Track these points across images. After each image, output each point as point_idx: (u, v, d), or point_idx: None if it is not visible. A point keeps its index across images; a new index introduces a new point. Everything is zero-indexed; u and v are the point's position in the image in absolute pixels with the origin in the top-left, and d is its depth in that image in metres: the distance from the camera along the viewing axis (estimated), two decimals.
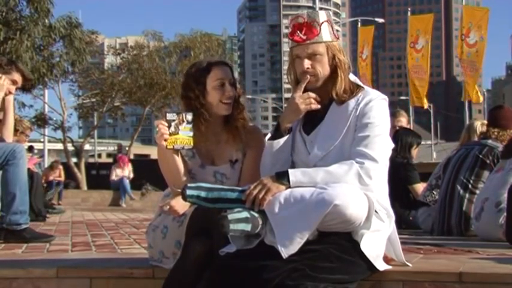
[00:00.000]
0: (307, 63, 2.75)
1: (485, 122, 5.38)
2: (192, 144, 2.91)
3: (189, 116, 2.91)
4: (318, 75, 2.76)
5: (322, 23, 2.75)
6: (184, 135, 2.89)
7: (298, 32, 2.76)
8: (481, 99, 17.07)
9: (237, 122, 3.03)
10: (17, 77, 4.85)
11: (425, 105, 17.87)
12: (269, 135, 2.83)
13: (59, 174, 17.49)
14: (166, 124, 2.89)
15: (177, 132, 2.89)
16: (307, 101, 2.75)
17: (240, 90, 3.08)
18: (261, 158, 2.86)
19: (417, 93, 17.44)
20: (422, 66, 17.38)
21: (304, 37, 2.75)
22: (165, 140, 2.88)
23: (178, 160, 2.95)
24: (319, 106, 2.77)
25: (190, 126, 2.91)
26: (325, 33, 2.76)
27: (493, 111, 5.31)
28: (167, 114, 2.91)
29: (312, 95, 2.75)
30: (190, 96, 3.01)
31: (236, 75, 3.23)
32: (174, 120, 2.89)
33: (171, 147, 2.89)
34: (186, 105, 3.03)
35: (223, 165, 3.04)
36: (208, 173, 3.03)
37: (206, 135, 3.02)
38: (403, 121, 7.14)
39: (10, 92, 4.86)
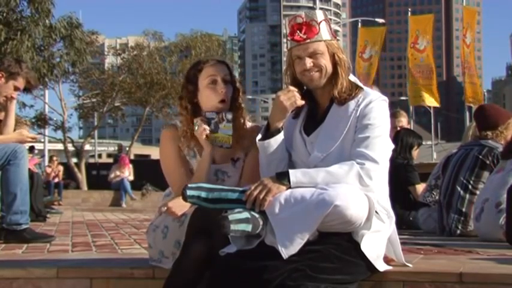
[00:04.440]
0: (308, 61, 2.75)
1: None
2: (230, 142, 2.93)
3: (229, 115, 2.93)
4: (322, 70, 2.75)
5: (321, 22, 2.77)
6: (224, 134, 2.92)
7: (298, 31, 2.76)
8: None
9: (235, 122, 3.02)
10: (21, 82, 4.86)
11: (437, 103, 17.78)
12: (259, 136, 2.83)
13: (56, 165, 17.62)
14: (206, 121, 2.91)
15: (217, 131, 2.92)
16: (292, 98, 2.75)
17: (240, 88, 3.06)
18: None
19: (429, 91, 17.39)
20: (429, 66, 17.43)
21: (305, 36, 2.75)
22: (207, 137, 2.91)
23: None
24: (303, 102, 2.78)
25: (230, 125, 2.93)
26: (324, 32, 2.77)
27: (477, 115, 5.23)
28: (206, 113, 2.94)
29: (295, 89, 2.76)
30: (182, 96, 3.04)
31: (236, 75, 3.21)
32: (213, 119, 2.92)
33: (211, 144, 2.92)
34: (179, 105, 3.04)
35: (224, 164, 3.05)
36: (210, 171, 3.03)
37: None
38: (404, 121, 7.13)
39: (12, 97, 4.87)
